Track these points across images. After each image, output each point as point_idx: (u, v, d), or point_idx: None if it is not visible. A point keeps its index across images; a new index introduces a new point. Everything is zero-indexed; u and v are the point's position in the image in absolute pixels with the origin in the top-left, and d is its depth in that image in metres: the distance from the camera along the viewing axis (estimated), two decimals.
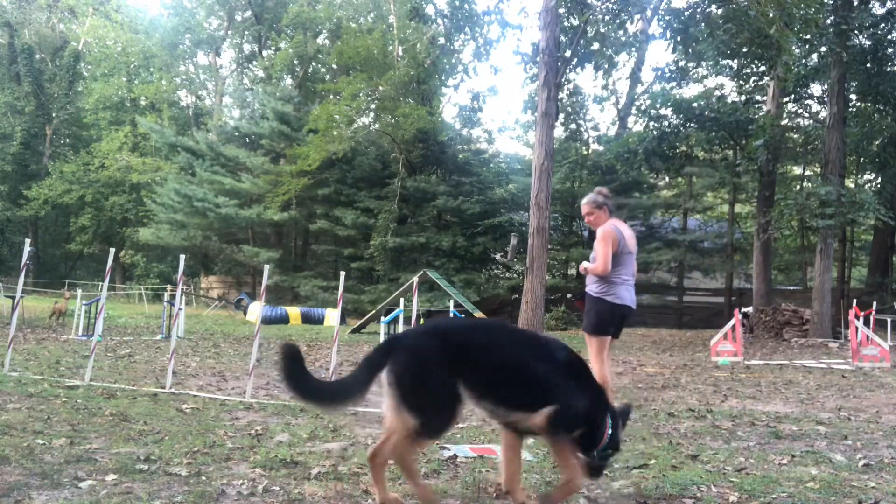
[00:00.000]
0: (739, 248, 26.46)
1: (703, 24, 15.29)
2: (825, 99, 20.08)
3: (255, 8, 36.35)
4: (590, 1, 15.47)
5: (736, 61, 20.68)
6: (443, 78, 26.87)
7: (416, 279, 6.62)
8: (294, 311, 21.06)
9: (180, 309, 9.36)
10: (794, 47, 15.72)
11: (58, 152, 40.74)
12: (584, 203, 5.22)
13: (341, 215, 26.84)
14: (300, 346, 11.45)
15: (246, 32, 38.69)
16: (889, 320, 14.65)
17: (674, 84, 21.65)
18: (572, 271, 26.33)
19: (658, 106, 19.47)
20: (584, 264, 5.10)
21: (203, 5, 38.03)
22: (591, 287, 5.06)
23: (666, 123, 19.65)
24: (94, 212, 37.82)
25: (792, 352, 14.15)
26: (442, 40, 21.61)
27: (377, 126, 28.55)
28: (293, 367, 2.74)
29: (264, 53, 37.39)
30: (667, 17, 15.77)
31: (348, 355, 10.96)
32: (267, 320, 19.32)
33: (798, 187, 25.05)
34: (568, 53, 15.58)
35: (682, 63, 19.32)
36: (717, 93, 24.05)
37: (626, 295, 4.97)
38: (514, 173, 28.55)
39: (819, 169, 20.88)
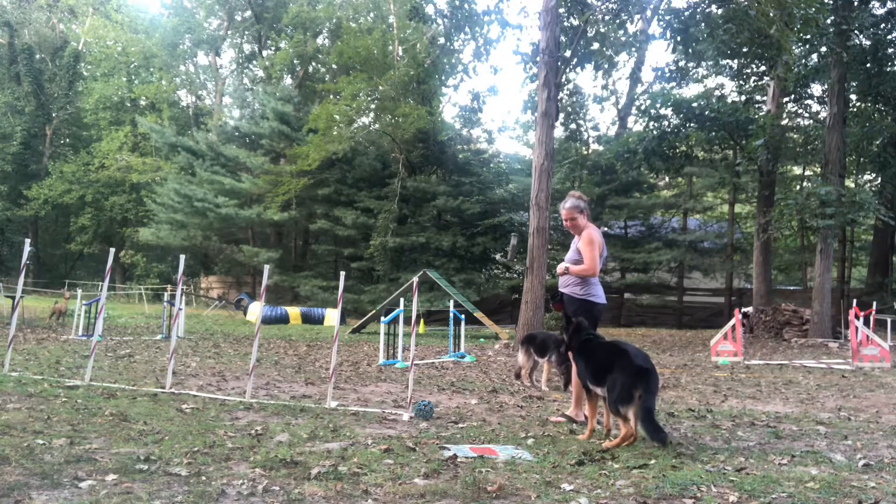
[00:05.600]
0: (739, 248, 26.47)
1: (703, 24, 15.28)
2: (825, 99, 20.10)
3: (255, 8, 36.36)
4: (590, 1, 15.46)
5: (736, 61, 20.69)
6: (443, 78, 26.83)
7: (416, 279, 6.62)
8: (294, 311, 21.07)
9: (180, 309, 9.36)
10: (794, 47, 15.72)
11: (58, 152, 40.74)
12: (568, 208, 5.27)
13: (341, 215, 26.83)
14: (300, 346, 11.32)
15: (246, 32, 38.70)
16: (889, 320, 14.65)
17: (674, 84, 21.64)
18: None
19: (658, 106, 19.48)
20: (564, 266, 5.23)
21: (203, 5, 38.03)
22: (574, 289, 5.18)
23: (666, 123, 19.66)
24: (94, 212, 37.82)
25: (792, 352, 14.16)
26: (442, 40, 21.56)
27: (377, 126, 28.56)
28: None
29: (264, 53, 37.40)
30: (667, 17, 15.76)
31: (348, 355, 10.96)
32: (267, 320, 19.33)
33: (798, 187, 25.07)
34: (568, 53, 15.56)
35: (682, 63, 19.30)
36: (717, 93, 24.06)
37: (602, 293, 5.26)
38: (514, 173, 28.55)
39: (819, 169, 20.89)
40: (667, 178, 28.37)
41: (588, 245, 5.12)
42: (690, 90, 25.33)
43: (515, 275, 26.12)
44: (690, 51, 16.54)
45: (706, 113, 19.08)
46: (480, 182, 26.98)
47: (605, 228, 26.82)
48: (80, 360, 8.35)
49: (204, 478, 3.26)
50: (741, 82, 23.20)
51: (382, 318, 10.32)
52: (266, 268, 6.72)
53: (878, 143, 19.81)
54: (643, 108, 21.14)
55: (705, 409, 5.93)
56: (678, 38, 15.47)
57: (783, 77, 17.56)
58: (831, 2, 16.19)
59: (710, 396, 6.96)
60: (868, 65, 17.73)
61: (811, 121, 22.96)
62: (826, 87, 19.02)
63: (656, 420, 4.21)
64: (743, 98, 23.58)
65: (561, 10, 14.80)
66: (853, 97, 20.31)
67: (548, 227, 13.88)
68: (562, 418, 5.25)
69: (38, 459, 3.43)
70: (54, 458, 3.46)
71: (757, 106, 22.69)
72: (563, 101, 23.94)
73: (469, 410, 5.71)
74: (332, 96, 29.43)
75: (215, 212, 28.11)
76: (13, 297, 8.56)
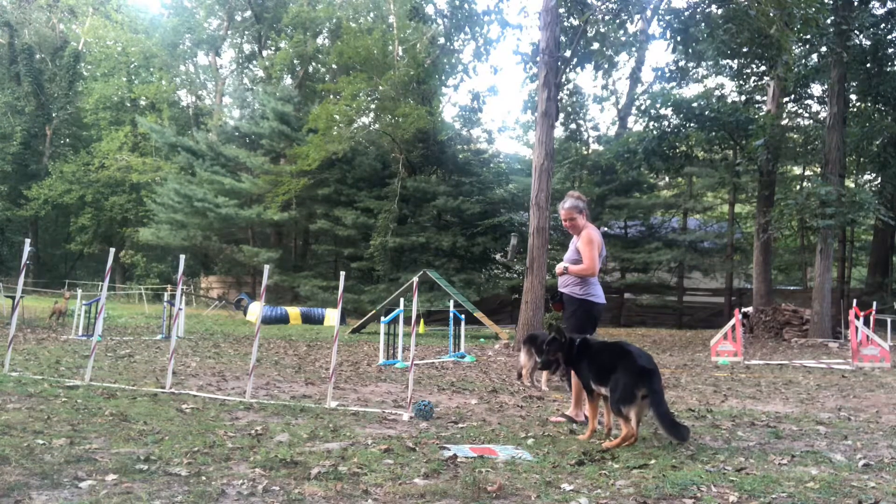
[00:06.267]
0: (739, 248, 26.46)
1: (703, 24, 15.28)
2: (825, 99, 20.09)
3: (255, 8, 36.36)
4: (590, 1, 15.46)
5: (736, 61, 20.68)
6: (443, 78, 26.85)
7: (416, 279, 6.61)
8: (294, 311, 21.06)
9: (180, 309, 9.36)
10: (794, 47, 15.71)
11: (58, 152, 40.74)
12: (567, 208, 5.27)
13: (341, 215, 26.83)
14: (300, 346, 11.29)
15: (246, 32, 38.70)
16: (889, 320, 14.65)
17: (674, 84, 21.64)
18: None
19: (658, 106, 19.47)
20: (563, 266, 5.22)
21: (203, 5, 38.03)
22: (573, 289, 5.18)
23: (666, 123, 19.65)
24: (94, 212, 37.83)
25: (792, 352, 14.16)
26: (442, 40, 21.57)
27: (377, 126, 28.56)
28: None
29: (264, 53, 37.40)
30: (667, 17, 15.76)
31: (348, 355, 10.96)
32: (267, 320, 19.33)
33: (798, 187, 25.05)
34: (568, 53, 15.56)
35: (682, 63, 19.29)
36: (717, 93, 24.05)
37: (601, 293, 5.28)
38: (514, 173, 28.55)
39: (819, 169, 20.89)
40: (667, 178, 28.37)
41: (587, 245, 5.13)
42: (690, 90, 25.36)
43: (515, 275, 26.11)
44: (690, 51, 16.54)
45: (706, 113, 19.07)
46: (480, 182, 26.97)
47: (605, 228, 26.81)
48: (80, 360, 8.35)
49: (204, 478, 3.26)
50: (741, 82, 23.19)
51: (382, 318, 10.32)
52: (266, 268, 6.72)
53: (878, 143, 19.81)
54: (643, 108, 21.14)
55: (705, 409, 5.93)
56: (678, 38, 15.46)
57: (783, 77, 17.56)
58: (831, 2, 16.18)
59: (710, 396, 6.96)
60: (868, 65, 17.72)
61: (811, 121, 22.96)
62: (826, 87, 19.02)
63: (674, 419, 4.21)
64: (743, 98, 23.57)
65: (561, 10, 14.80)
66: (853, 97, 20.30)
67: (548, 227, 13.87)
68: (562, 418, 5.25)
69: (38, 459, 3.43)
70: (54, 458, 3.46)
71: (757, 106, 22.68)
72: (563, 101, 23.98)
73: (469, 410, 5.71)
74: (332, 96, 29.43)
75: (215, 212, 28.10)
76: (13, 297, 8.56)
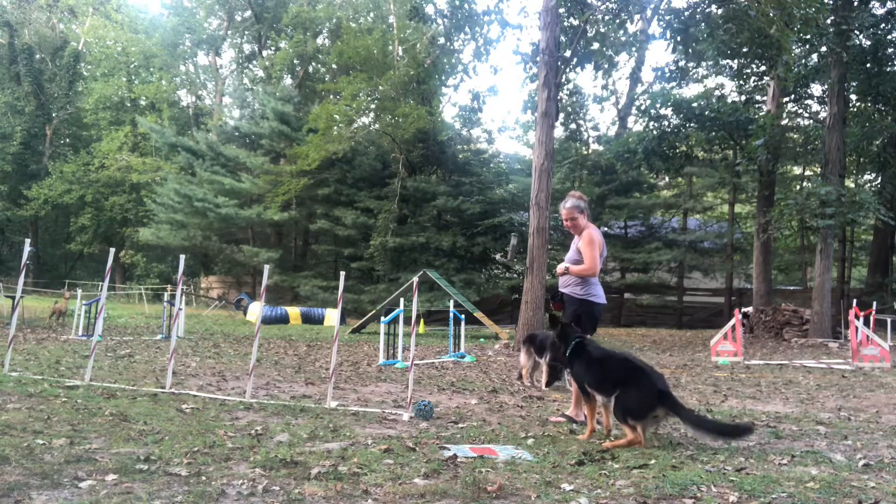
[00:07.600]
0: (739, 248, 26.47)
1: (703, 24, 15.29)
2: (825, 99, 20.09)
3: (255, 8, 36.37)
4: (590, 1, 15.46)
5: (736, 61, 20.69)
6: (443, 78, 26.84)
7: (416, 279, 6.61)
8: (294, 311, 21.06)
9: (180, 309, 9.36)
10: (794, 47, 15.71)
11: (58, 152, 40.76)
12: (568, 208, 5.28)
13: (341, 215, 26.83)
14: (300, 346, 11.28)
15: (246, 32, 38.72)
16: (889, 320, 14.65)
17: (674, 84, 21.65)
18: None
19: (658, 106, 19.47)
20: (564, 266, 5.25)
21: (203, 5, 38.04)
22: (574, 289, 5.19)
23: (666, 123, 19.66)
24: (94, 212, 37.84)
25: (792, 352, 14.16)
26: (442, 40, 21.60)
27: (377, 126, 28.56)
28: None
29: (264, 53, 37.41)
30: (667, 17, 15.78)
31: (348, 355, 10.96)
32: (267, 320, 19.32)
33: (798, 187, 25.06)
34: (568, 53, 15.57)
35: (682, 63, 19.30)
36: (717, 93, 24.06)
37: (602, 293, 5.29)
38: (514, 173, 28.55)
39: (819, 169, 20.88)
40: (667, 178, 28.38)
41: (588, 245, 5.13)
42: (690, 90, 25.38)
43: (515, 275, 26.11)
44: (690, 51, 16.55)
45: (706, 113, 19.08)
46: (480, 182, 26.97)
47: (605, 228, 26.80)
48: (80, 360, 8.34)
49: (204, 478, 3.26)
50: (741, 82, 23.20)
51: (382, 318, 10.32)
52: (266, 268, 6.72)
53: (878, 143, 19.80)
54: (643, 108, 21.14)
55: (705, 409, 5.92)
56: (678, 38, 15.49)
57: (783, 77, 17.56)
58: (831, 2, 16.18)
59: (710, 396, 6.96)
60: (868, 65, 17.71)
61: (811, 121, 22.95)
62: (826, 87, 19.02)
63: (719, 421, 4.25)
64: (743, 98, 23.57)
65: (561, 10, 14.80)
66: (853, 97, 20.30)
67: (548, 227, 13.88)
68: (562, 418, 5.25)
69: (38, 459, 3.43)
70: (54, 458, 3.46)
71: (757, 106, 22.69)
72: (563, 101, 24.01)
73: (469, 410, 5.71)
74: (332, 96, 29.43)
75: (215, 212, 28.10)
76: (13, 297, 8.56)
